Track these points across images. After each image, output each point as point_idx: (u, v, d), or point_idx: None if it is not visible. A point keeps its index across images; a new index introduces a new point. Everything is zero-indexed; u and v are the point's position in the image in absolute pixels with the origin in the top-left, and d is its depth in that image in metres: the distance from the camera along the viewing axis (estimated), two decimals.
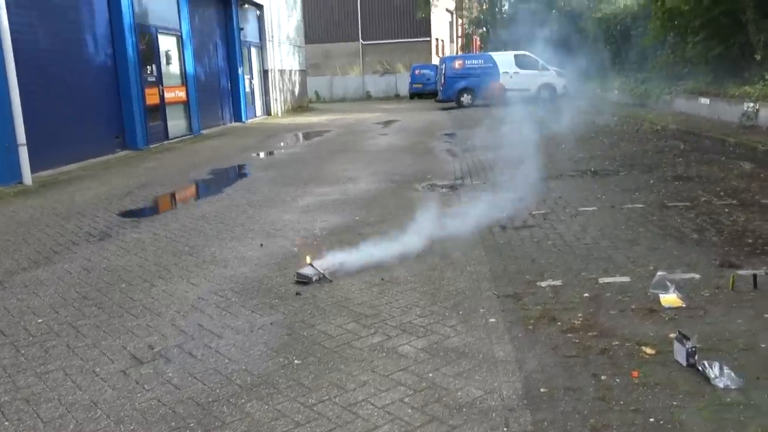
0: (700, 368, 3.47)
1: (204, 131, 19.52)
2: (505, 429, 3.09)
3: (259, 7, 25.81)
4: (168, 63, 17.92)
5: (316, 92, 40.34)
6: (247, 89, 24.29)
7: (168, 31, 17.86)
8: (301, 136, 18.97)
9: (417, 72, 36.18)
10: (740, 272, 4.93)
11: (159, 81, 17.07)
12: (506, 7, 40.87)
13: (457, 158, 12.27)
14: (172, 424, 3.27)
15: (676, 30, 17.38)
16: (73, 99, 13.29)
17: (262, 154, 14.75)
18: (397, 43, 43.55)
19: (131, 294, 5.27)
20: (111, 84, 14.89)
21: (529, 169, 9.57)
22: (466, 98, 27.08)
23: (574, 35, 26.80)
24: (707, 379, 3.39)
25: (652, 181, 8.89)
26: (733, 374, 3.38)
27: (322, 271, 5.35)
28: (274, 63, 26.98)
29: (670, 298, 4.46)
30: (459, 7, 49.10)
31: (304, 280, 5.27)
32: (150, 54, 16.79)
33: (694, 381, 3.41)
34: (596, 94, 25.05)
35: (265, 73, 26.42)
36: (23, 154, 10.93)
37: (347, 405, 3.36)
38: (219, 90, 22.06)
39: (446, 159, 12.33)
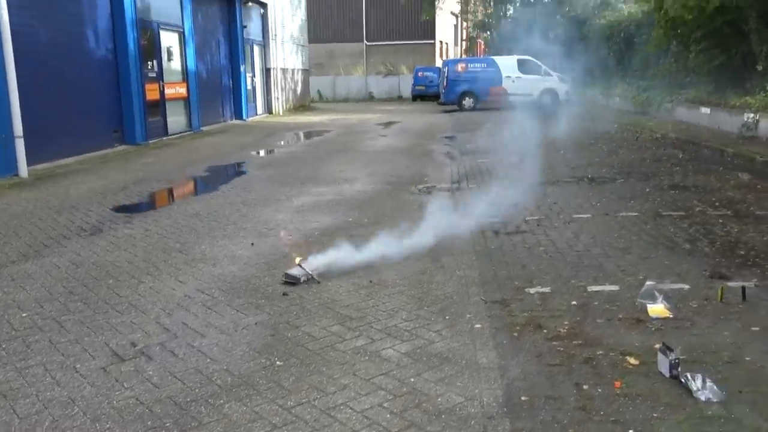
0: (682, 380, 3.45)
1: (204, 128, 19.51)
2: None
3: (263, 5, 25.79)
4: (169, 59, 17.91)
5: (319, 92, 40.32)
6: (249, 87, 24.27)
7: (170, 26, 17.84)
8: (300, 135, 18.95)
9: (420, 74, 36.14)
10: (730, 284, 4.90)
11: (160, 77, 17.06)
12: (511, 11, 40.84)
13: (455, 161, 12.25)
14: (149, 423, 3.24)
15: (678, 39, 17.34)
16: (73, 93, 13.28)
17: (260, 153, 14.74)
18: (401, 45, 43.50)
19: (118, 290, 5.24)
20: (111, 79, 14.88)
21: (526, 175, 9.54)
22: (467, 101, 27.05)
23: (577, 41, 26.83)
24: (690, 391, 3.37)
25: (648, 190, 8.87)
26: (715, 387, 3.36)
27: (310, 272, 5.33)
28: (276, 61, 26.95)
29: (657, 309, 4.43)
30: (464, 10, 49.06)
31: (292, 281, 5.25)
32: (151, 49, 16.78)
33: (676, 393, 3.39)
34: (598, 100, 25.05)
35: (267, 72, 26.40)
36: (20, 146, 10.91)
37: (326, 408, 3.33)
38: (220, 87, 22.04)
39: (444, 162, 12.31)
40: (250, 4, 24.51)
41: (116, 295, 5.12)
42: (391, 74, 42.40)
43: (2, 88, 10.68)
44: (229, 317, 4.60)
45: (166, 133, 17.27)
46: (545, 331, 4.22)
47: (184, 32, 18.48)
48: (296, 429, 3.16)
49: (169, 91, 17.50)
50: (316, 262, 5.55)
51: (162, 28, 17.34)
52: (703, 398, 3.31)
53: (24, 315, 4.74)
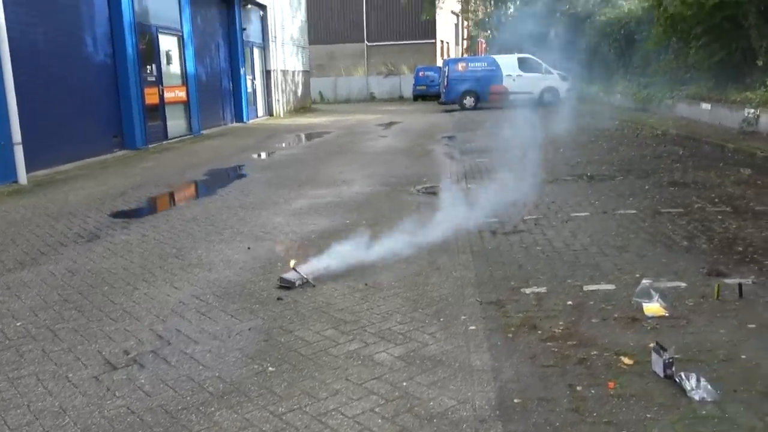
0: (677, 380, 3.42)
1: (204, 131, 19.52)
2: None
3: (263, 7, 25.80)
4: (168, 63, 17.92)
5: (320, 93, 40.33)
6: (249, 90, 24.28)
7: (169, 30, 17.86)
8: (300, 137, 18.94)
9: (421, 74, 36.11)
10: (727, 281, 4.87)
11: (159, 81, 17.07)
12: (511, 10, 40.77)
13: (454, 161, 12.22)
14: None
15: (678, 35, 17.28)
16: (71, 98, 13.29)
17: (259, 155, 14.74)
18: (402, 45, 43.48)
19: (113, 297, 5.23)
20: (110, 83, 14.90)
21: (525, 173, 9.52)
22: (468, 101, 27.00)
23: (577, 39, 26.76)
24: (684, 391, 3.34)
25: (647, 187, 8.83)
26: (709, 386, 3.33)
27: (305, 276, 5.31)
28: (276, 63, 26.96)
29: (653, 307, 4.40)
30: (465, 9, 49.01)
31: (287, 285, 5.23)
32: (150, 53, 16.79)
33: (670, 393, 3.36)
34: (599, 98, 24.99)
35: (267, 74, 26.41)
36: (18, 153, 10.92)
37: (317, 414, 3.31)
38: (220, 90, 22.06)
39: (444, 162, 12.28)
40: (249, 6, 24.52)
41: (111, 303, 5.10)
42: (392, 74, 42.38)
43: (0, 95, 10.68)
44: (223, 323, 4.58)
45: (166, 137, 17.27)
46: (540, 331, 4.19)
47: (183, 36, 18.49)
48: None
49: (168, 95, 17.51)
50: (311, 266, 5.54)
51: (161, 32, 17.35)
52: (697, 398, 3.28)
53: (18, 324, 4.73)
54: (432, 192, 9.15)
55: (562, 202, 8.02)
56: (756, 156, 10.56)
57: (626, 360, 3.73)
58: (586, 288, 4.96)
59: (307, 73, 32.64)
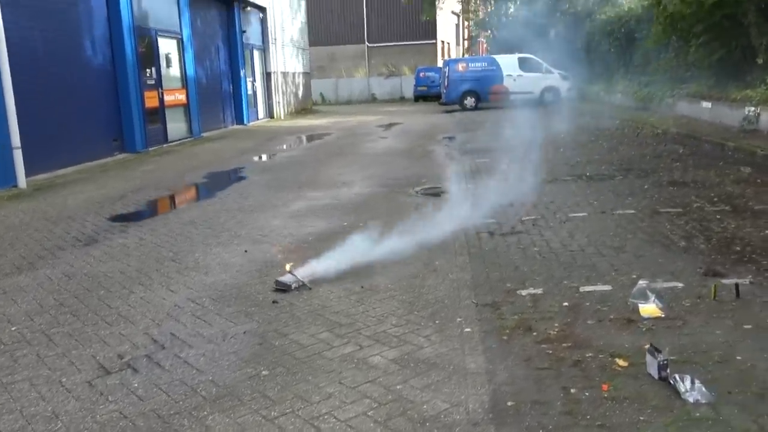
0: (671, 382, 3.40)
1: (204, 134, 19.52)
2: None
3: (262, 9, 25.80)
4: (168, 66, 17.93)
5: (321, 94, 40.35)
6: (249, 92, 24.28)
7: (168, 33, 17.86)
8: (301, 139, 18.93)
9: (421, 74, 36.12)
10: (724, 281, 4.84)
11: (158, 84, 17.07)
12: (512, 10, 40.73)
13: (454, 162, 12.21)
14: None
15: (678, 34, 17.24)
16: (71, 102, 13.30)
17: (259, 158, 14.74)
18: (403, 46, 43.53)
19: (109, 301, 5.23)
20: (109, 87, 14.90)
21: (524, 174, 9.51)
22: (469, 101, 26.97)
23: (578, 38, 26.74)
24: (678, 393, 3.32)
25: (646, 186, 8.80)
26: (704, 388, 3.31)
27: (301, 279, 5.30)
28: (277, 65, 26.96)
29: (649, 308, 4.39)
30: (465, 9, 49.00)
31: (283, 288, 5.22)
32: (149, 57, 16.79)
33: (665, 395, 3.34)
34: (599, 97, 24.96)
35: (267, 76, 26.41)
36: (18, 157, 10.93)
37: (310, 418, 3.30)
38: (220, 93, 22.06)
39: (443, 163, 12.27)
40: (248, 8, 24.53)
41: (107, 306, 5.10)
42: (393, 75, 42.39)
43: None
44: (218, 326, 4.57)
45: (166, 140, 17.28)
46: (535, 333, 4.17)
47: (182, 39, 18.49)
48: None
49: (168, 98, 17.51)
50: (308, 269, 5.52)
51: (160, 35, 17.35)
52: (691, 400, 3.26)
53: (13, 329, 4.73)
54: (431, 193, 9.15)
55: (560, 203, 8.00)
56: (756, 154, 10.53)
57: (621, 362, 3.71)
58: (582, 289, 4.94)
59: (307, 75, 32.65)
